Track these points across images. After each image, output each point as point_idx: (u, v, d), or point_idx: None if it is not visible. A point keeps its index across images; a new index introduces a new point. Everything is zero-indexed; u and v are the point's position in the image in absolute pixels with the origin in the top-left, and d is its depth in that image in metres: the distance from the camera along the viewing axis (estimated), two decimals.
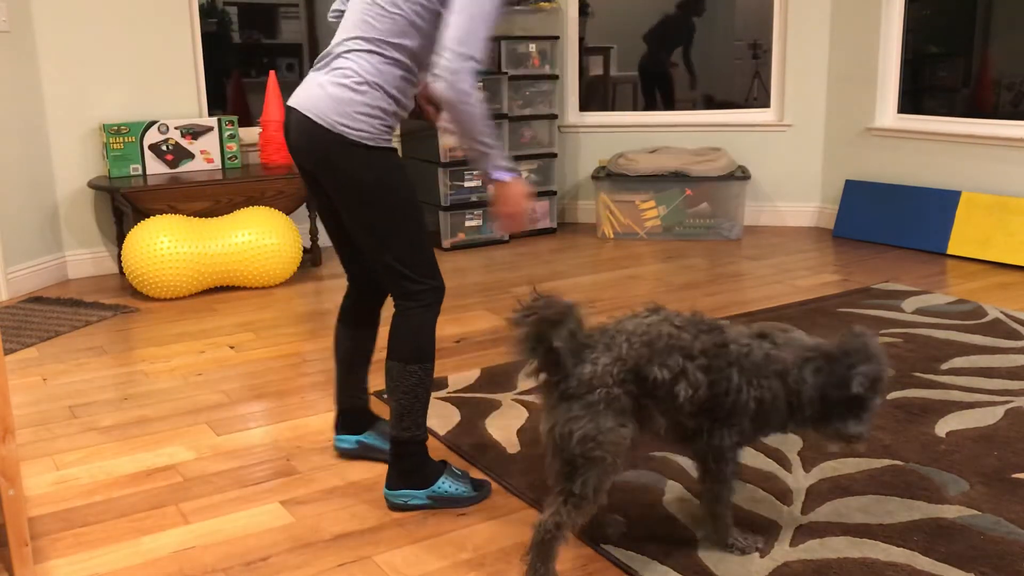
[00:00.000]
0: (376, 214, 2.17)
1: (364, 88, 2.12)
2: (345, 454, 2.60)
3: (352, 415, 2.57)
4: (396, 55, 2.14)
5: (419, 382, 2.30)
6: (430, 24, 2.13)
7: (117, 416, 2.92)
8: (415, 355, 2.31)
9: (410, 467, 2.31)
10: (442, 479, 2.32)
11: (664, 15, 6.64)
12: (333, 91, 2.13)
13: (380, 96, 2.13)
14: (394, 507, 2.32)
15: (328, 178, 2.18)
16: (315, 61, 2.27)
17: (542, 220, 5.57)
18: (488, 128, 2.08)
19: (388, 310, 2.40)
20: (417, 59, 2.17)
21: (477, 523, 2.22)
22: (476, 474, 2.47)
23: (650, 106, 6.78)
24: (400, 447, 2.30)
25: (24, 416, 2.93)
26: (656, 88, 6.80)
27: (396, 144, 2.14)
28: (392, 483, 2.31)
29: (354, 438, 2.58)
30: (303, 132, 2.16)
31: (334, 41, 2.24)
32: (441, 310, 3.97)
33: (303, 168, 2.29)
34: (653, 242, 5.31)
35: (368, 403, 2.59)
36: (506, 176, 2.14)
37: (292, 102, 2.21)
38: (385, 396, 2.68)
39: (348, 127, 2.11)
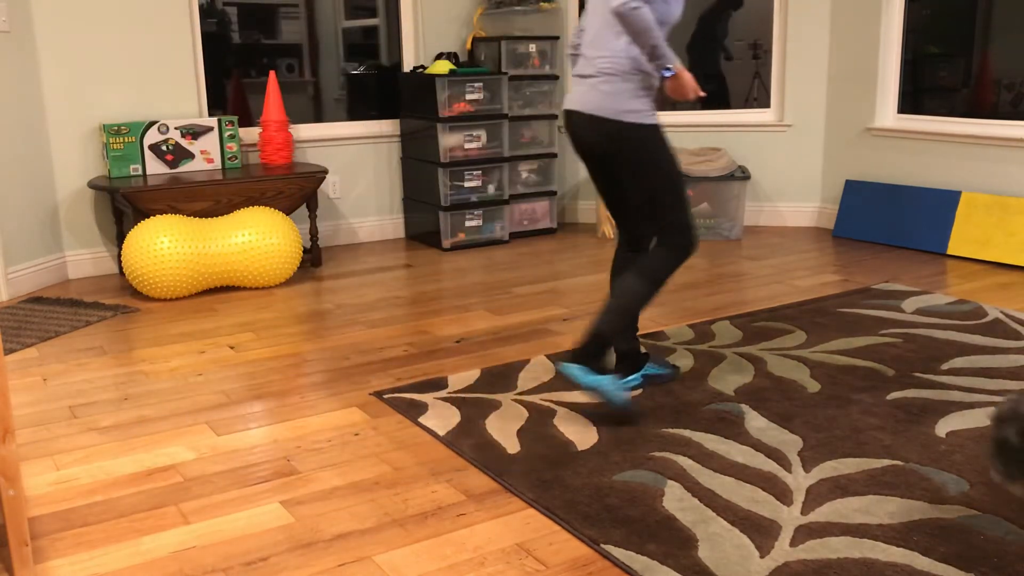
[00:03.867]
0: (652, 176, 2.74)
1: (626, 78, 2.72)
2: (637, 388, 3.02)
3: (631, 356, 3.00)
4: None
5: (638, 295, 2.74)
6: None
7: (117, 416, 2.92)
8: (649, 275, 2.75)
9: (592, 353, 2.71)
10: (606, 379, 2.74)
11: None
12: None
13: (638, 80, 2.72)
14: (575, 383, 2.74)
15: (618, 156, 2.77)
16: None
17: (542, 220, 5.58)
18: (655, 34, 2.60)
19: None
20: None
21: (477, 523, 2.22)
22: (476, 474, 2.47)
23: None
24: (596, 338, 2.71)
25: (24, 416, 2.93)
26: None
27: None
28: (573, 359, 2.74)
29: (638, 375, 3.02)
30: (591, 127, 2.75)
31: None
32: (442, 310, 3.98)
33: (591, 154, 2.86)
34: None
35: (639, 345, 3.03)
36: (667, 72, 2.68)
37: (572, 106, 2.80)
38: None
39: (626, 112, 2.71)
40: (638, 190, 2.77)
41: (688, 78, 2.72)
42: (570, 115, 2.81)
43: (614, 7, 2.57)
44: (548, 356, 3.35)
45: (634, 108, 2.69)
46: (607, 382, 2.70)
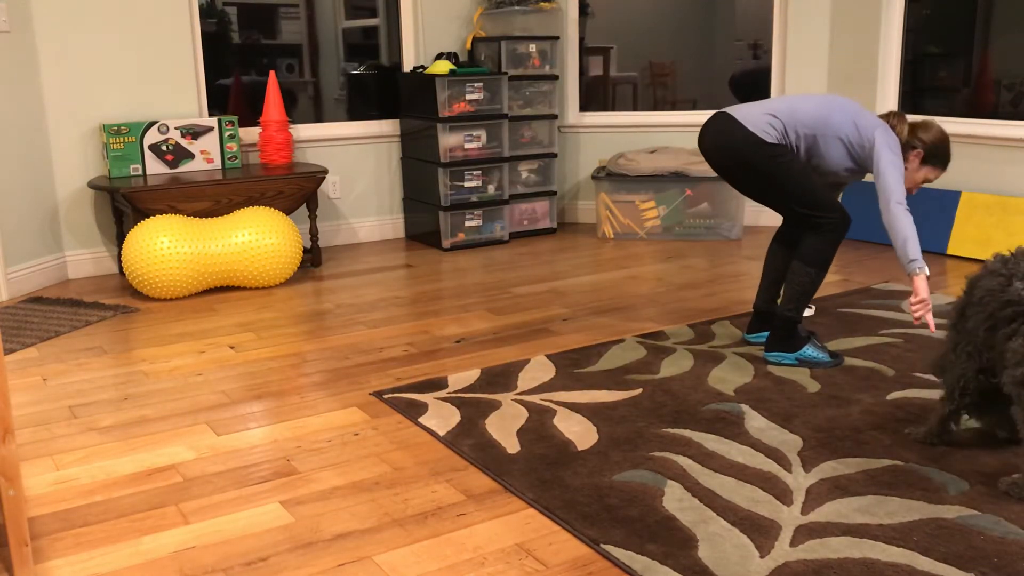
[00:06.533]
0: (773, 178, 3.12)
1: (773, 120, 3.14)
2: (759, 345, 3.43)
3: (766, 315, 3.39)
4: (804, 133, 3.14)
5: (809, 281, 3.15)
6: (839, 147, 3.12)
7: (117, 416, 2.92)
8: (813, 261, 3.14)
9: (784, 336, 3.19)
10: (807, 346, 3.18)
11: None
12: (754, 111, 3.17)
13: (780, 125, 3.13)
14: (769, 363, 3.22)
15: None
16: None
17: (542, 220, 5.58)
18: (905, 244, 2.93)
19: None
20: (810, 141, 3.13)
21: (477, 523, 2.22)
22: (476, 474, 2.47)
23: None
24: (781, 320, 3.20)
25: (24, 416, 2.93)
26: None
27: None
28: (769, 346, 3.23)
29: (767, 333, 3.37)
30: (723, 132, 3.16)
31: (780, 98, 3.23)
32: (442, 310, 3.98)
33: (713, 156, 3.23)
34: (653, 242, 5.31)
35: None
36: (910, 272, 2.93)
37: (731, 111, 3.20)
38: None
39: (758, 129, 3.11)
40: (763, 193, 3.17)
41: (918, 292, 2.92)
42: (719, 115, 3.19)
43: (884, 200, 2.99)
44: (548, 356, 3.35)
45: (769, 132, 3.09)
46: (809, 351, 3.17)
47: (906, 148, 3.18)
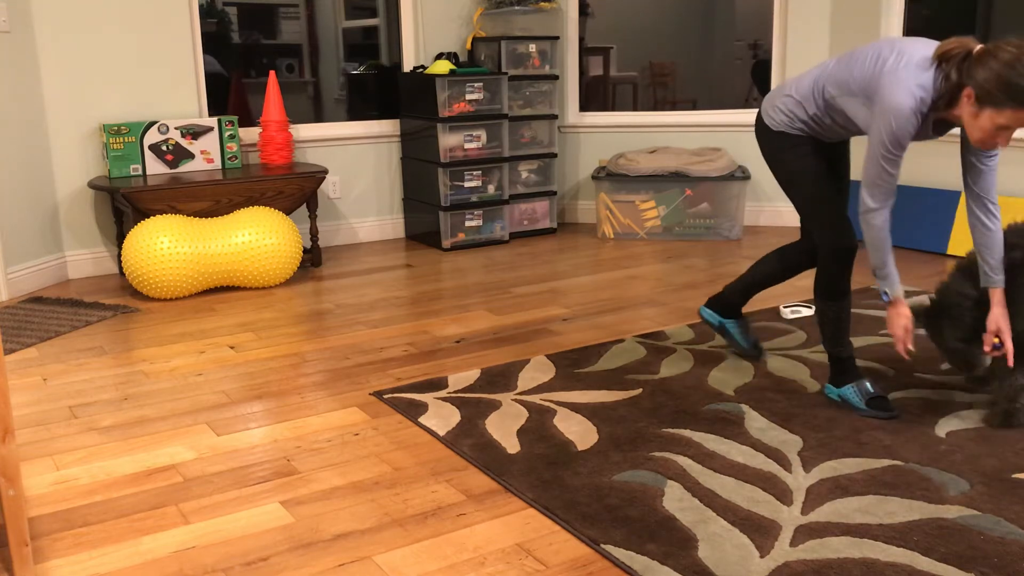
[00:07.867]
0: (778, 178, 2.91)
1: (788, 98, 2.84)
2: (705, 324, 3.52)
3: (727, 305, 3.26)
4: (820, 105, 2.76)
5: (823, 314, 2.85)
6: (857, 105, 2.62)
7: (117, 416, 2.92)
8: (819, 291, 2.84)
9: (832, 371, 2.90)
10: (849, 387, 2.85)
11: None
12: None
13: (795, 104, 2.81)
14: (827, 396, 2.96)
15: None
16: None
17: (542, 220, 5.58)
18: (880, 257, 2.60)
19: None
20: (831, 106, 2.72)
21: (477, 523, 2.22)
22: (476, 474, 2.47)
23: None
24: (828, 357, 2.92)
25: (24, 416, 2.93)
26: None
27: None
28: (835, 383, 2.92)
29: (719, 319, 3.30)
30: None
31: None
32: (442, 310, 3.98)
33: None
34: (653, 242, 5.32)
35: (741, 308, 3.27)
36: (884, 297, 2.66)
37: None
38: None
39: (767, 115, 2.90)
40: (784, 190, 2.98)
41: (899, 317, 2.64)
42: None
43: (860, 211, 2.62)
44: (548, 356, 3.35)
45: (775, 117, 2.87)
46: (848, 391, 2.85)
47: (956, 91, 2.41)
